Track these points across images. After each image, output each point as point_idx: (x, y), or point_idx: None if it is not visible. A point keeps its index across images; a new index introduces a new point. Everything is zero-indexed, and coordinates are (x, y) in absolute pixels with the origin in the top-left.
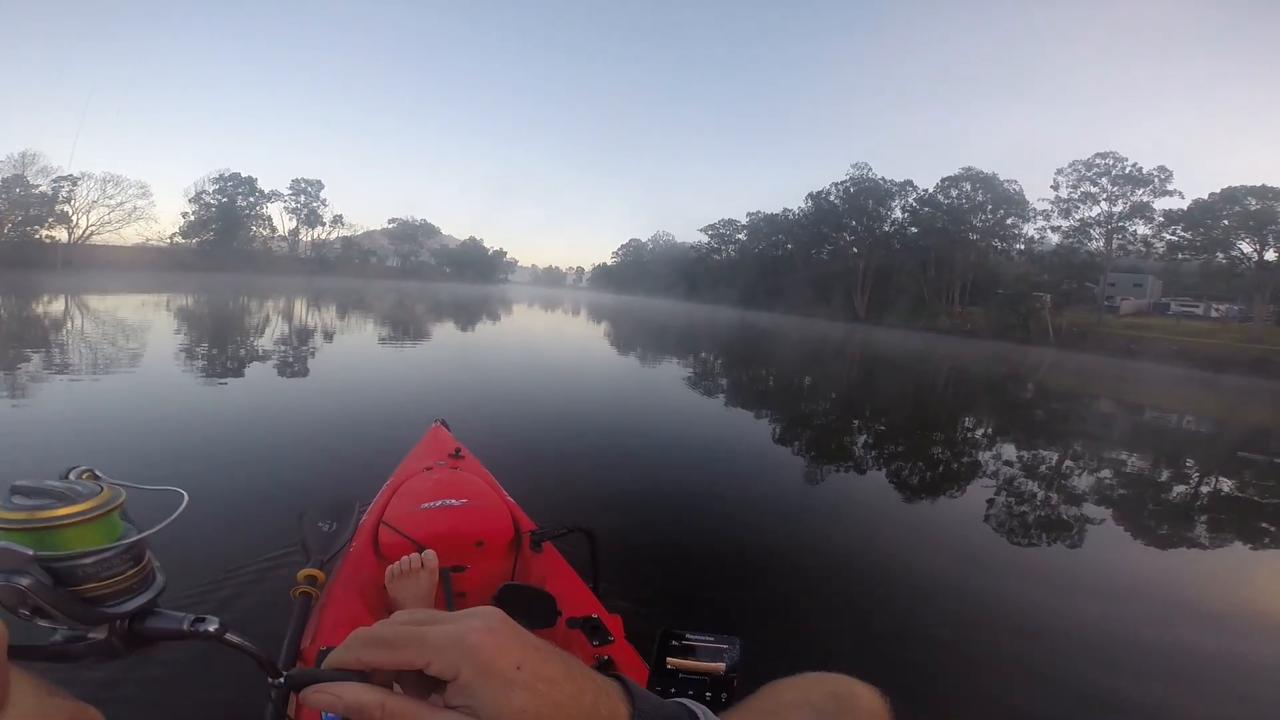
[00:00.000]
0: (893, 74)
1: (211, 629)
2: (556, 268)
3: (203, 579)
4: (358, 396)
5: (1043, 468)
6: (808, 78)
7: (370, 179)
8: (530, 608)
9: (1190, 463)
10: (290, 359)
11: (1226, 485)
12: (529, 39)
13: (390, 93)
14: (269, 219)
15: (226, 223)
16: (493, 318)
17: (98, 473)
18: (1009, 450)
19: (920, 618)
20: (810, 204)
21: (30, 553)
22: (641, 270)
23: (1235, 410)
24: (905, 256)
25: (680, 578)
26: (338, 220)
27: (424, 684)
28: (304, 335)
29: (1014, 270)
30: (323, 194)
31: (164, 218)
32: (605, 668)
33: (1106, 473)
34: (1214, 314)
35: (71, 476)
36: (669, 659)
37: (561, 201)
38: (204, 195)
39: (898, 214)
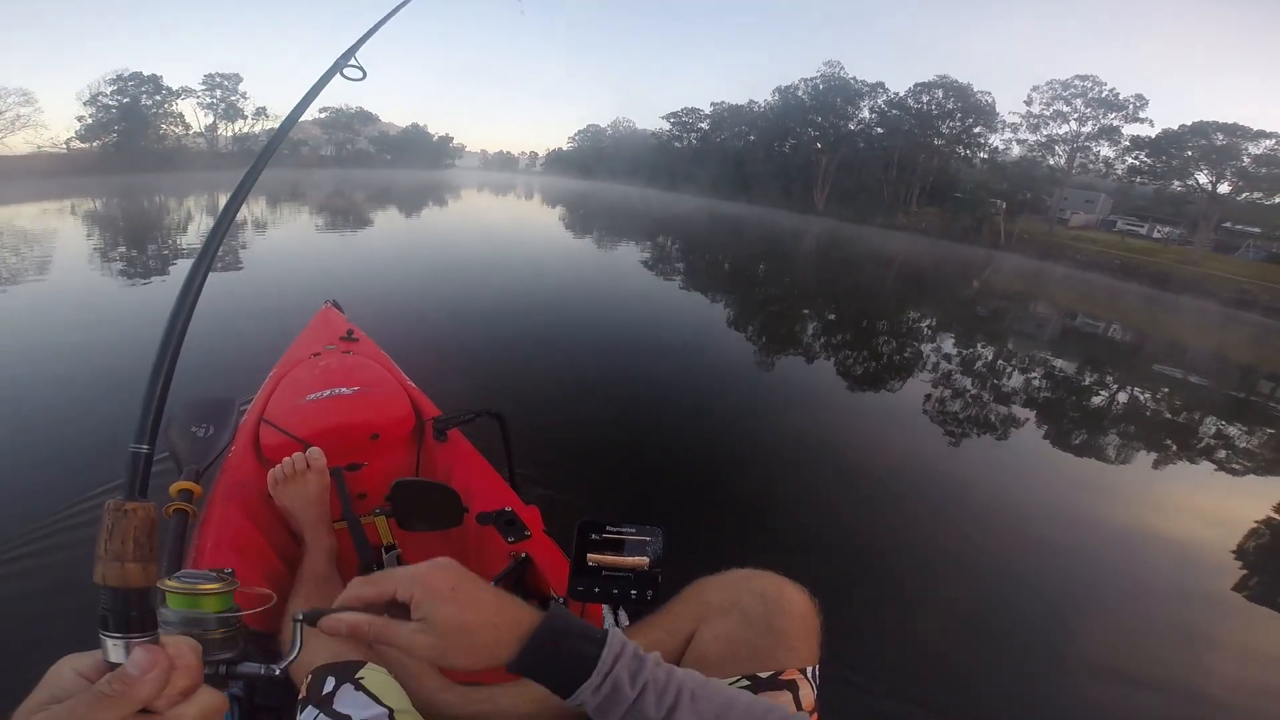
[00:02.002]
0: None
1: (277, 671)
2: (508, 152)
3: (22, 530)
4: (241, 280)
5: (1002, 367)
6: None
7: (299, 68)
8: (428, 505)
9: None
10: (159, 249)
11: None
12: None
13: None
14: (180, 116)
15: (131, 124)
16: (423, 204)
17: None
18: (962, 348)
19: (852, 513)
20: (777, 98)
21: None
22: (600, 156)
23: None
24: (868, 155)
25: (600, 463)
26: (261, 112)
27: (398, 613)
28: (187, 227)
29: (975, 176)
30: (241, 87)
31: (56, 124)
32: (522, 566)
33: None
34: (1155, 235)
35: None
36: (590, 555)
37: (517, 85)
38: (101, 98)
39: (866, 114)
